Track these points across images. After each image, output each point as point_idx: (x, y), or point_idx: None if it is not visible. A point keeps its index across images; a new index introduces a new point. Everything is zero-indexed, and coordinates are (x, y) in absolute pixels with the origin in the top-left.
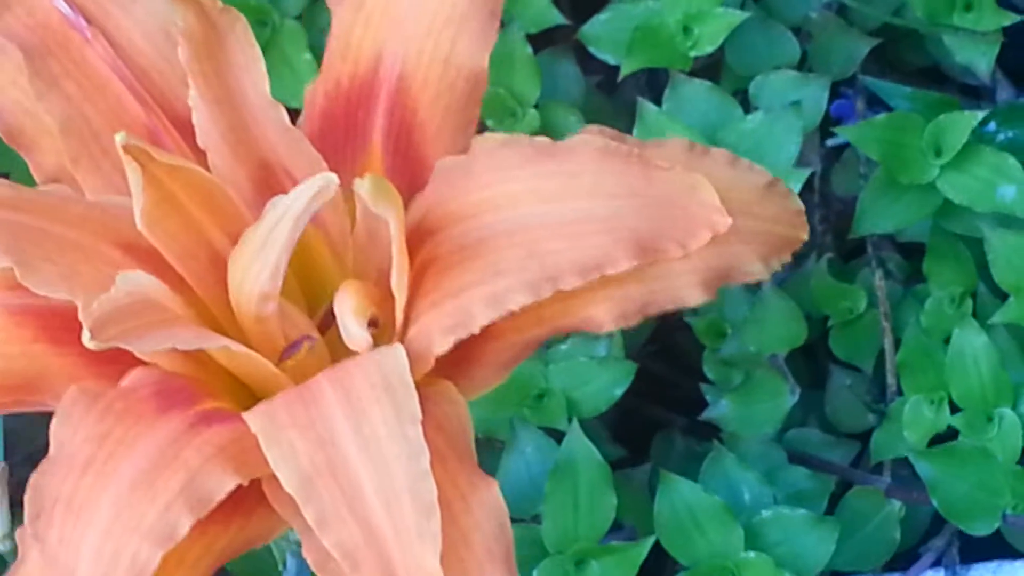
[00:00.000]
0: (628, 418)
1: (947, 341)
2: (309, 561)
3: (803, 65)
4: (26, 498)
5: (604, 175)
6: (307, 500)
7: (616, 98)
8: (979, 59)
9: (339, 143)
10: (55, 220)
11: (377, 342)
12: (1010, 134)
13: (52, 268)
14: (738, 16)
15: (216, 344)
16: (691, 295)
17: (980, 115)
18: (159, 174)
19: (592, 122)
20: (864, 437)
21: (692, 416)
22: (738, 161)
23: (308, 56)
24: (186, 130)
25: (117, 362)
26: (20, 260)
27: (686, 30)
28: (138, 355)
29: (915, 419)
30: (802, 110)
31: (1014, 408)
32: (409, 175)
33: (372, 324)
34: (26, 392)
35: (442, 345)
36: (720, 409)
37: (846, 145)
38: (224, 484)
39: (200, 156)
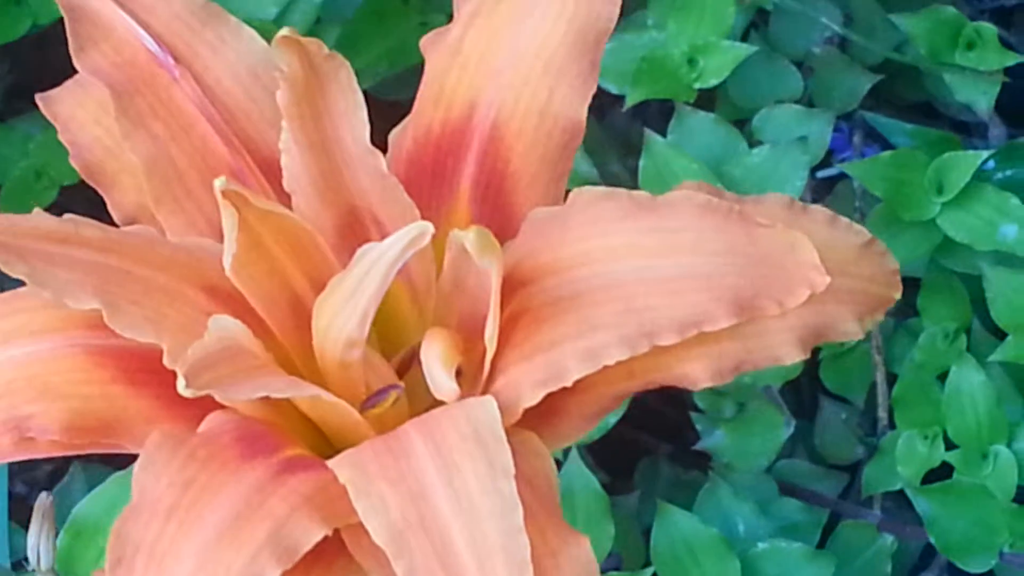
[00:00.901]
0: (610, 443)
1: (940, 377)
2: None
3: (803, 99)
4: (108, 545)
5: (705, 232)
6: (398, 554)
7: (606, 124)
8: (979, 98)
9: (425, 189)
10: (141, 262)
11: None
12: (1009, 172)
13: (139, 311)
14: (744, 50)
15: (307, 393)
16: (787, 353)
17: (984, 155)
18: (251, 219)
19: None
20: (852, 469)
21: (677, 444)
22: (837, 220)
23: None
24: (271, 172)
25: (195, 405)
26: (108, 302)
27: (691, 62)
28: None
29: (909, 454)
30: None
31: (1009, 446)
32: (497, 224)
33: (456, 373)
34: (102, 434)
35: (532, 398)
36: (715, 439)
37: (838, 177)
38: (311, 534)
39: (284, 198)
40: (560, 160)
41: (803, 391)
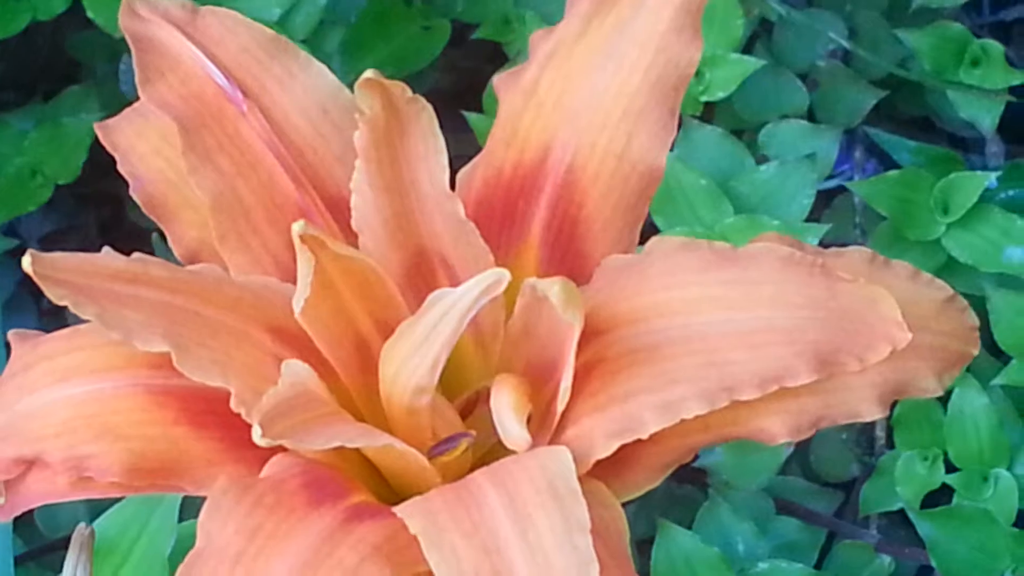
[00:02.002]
0: None
1: (940, 399)
2: None
3: (806, 112)
4: None
5: (787, 285)
6: None
7: None
8: (983, 116)
9: (494, 231)
10: (208, 303)
11: None
12: (1011, 192)
13: (207, 354)
14: (752, 64)
15: (380, 442)
16: (867, 410)
17: (991, 176)
18: (324, 261)
19: None
20: (846, 487)
21: None
22: (919, 275)
23: None
24: (337, 209)
25: (257, 448)
26: (177, 345)
27: (699, 74)
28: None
29: (908, 475)
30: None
31: (1010, 470)
32: (566, 270)
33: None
34: (163, 476)
35: (605, 449)
36: (714, 456)
37: (836, 191)
38: None
39: (350, 237)
40: (635, 206)
41: None
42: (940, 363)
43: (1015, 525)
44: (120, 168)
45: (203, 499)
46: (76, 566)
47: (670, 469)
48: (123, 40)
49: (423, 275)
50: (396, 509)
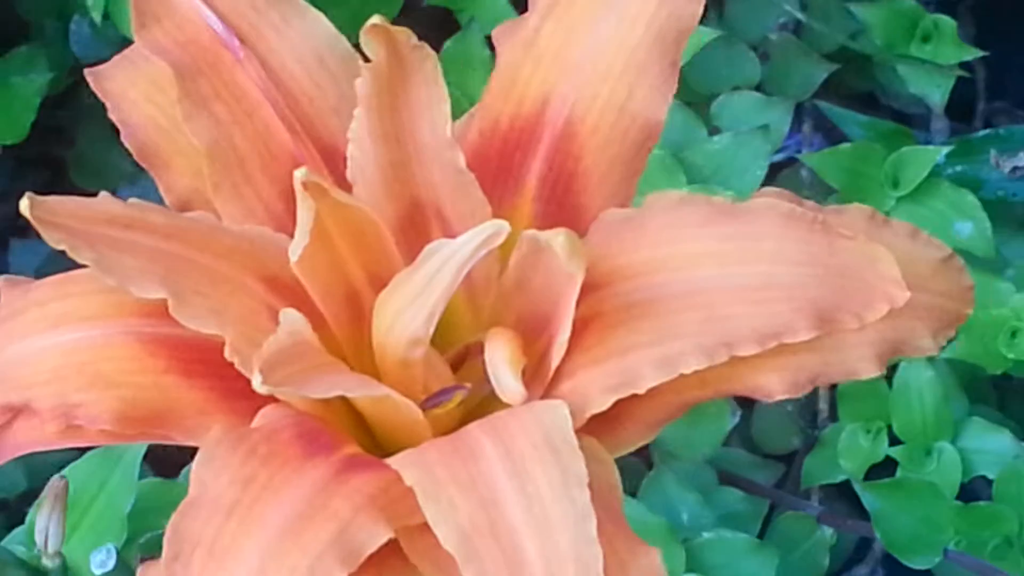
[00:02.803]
0: None
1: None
2: None
3: (760, 86)
4: (165, 539)
5: (787, 241)
6: (467, 561)
7: None
8: (932, 91)
9: (488, 184)
10: (204, 250)
11: None
12: (959, 168)
13: (203, 301)
14: (707, 34)
15: (379, 393)
16: (864, 368)
17: (942, 150)
18: (322, 210)
19: None
20: (787, 459)
21: None
22: (918, 234)
23: None
24: (332, 160)
25: (248, 398)
26: (174, 292)
27: None
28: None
29: (852, 448)
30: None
31: (953, 443)
32: (563, 224)
33: None
34: (153, 425)
35: (601, 404)
36: None
37: (785, 163)
38: (376, 536)
39: (344, 188)
40: (633, 160)
41: None
42: (936, 322)
43: (958, 499)
44: (111, 115)
45: (165, 457)
46: (50, 517)
47: (663, 425)
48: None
49: (417, 228)
50: (390, 461)
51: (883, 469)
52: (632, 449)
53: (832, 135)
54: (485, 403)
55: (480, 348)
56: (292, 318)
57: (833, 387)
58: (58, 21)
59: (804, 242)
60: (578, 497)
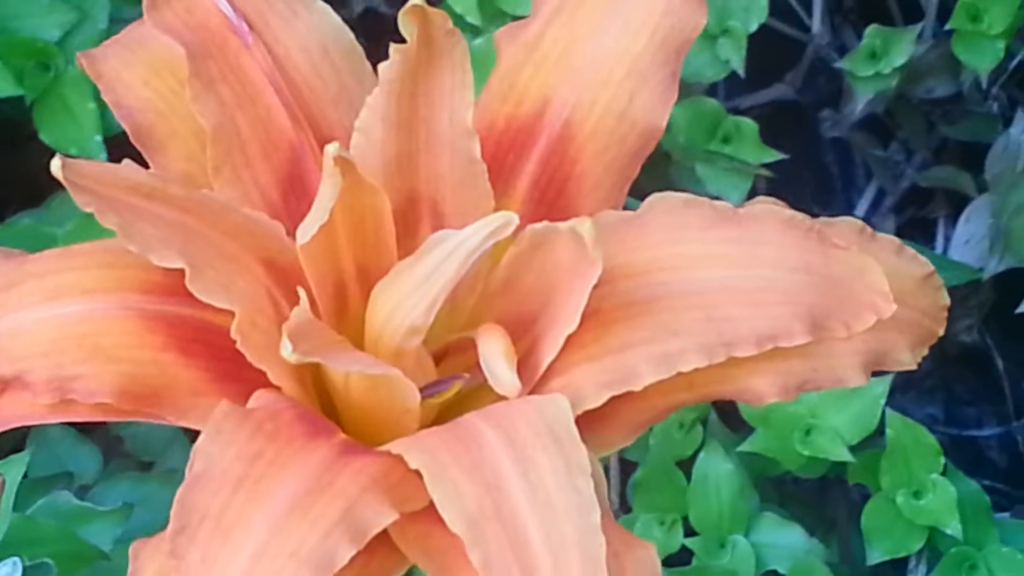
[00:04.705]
0: None
1: (676, 465)
2: None
3: None
4: (171, 512)
5: (787, 248)
6: (474, 543)
7: None
8: (731, 191)
9: None
10: (216, 227)
11: None
12: None
13: (216, 276)
14: None
15: (392, 373)
16: (851, 376)
17: None
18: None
19: None
20: None
21: None
22: (903, 250)
23: (92, 106)
24: None
25: (241, 381)
26: (191, 263)
27: None
28: (272, 378)
29: (646, 538)
30: None
31: (747, 536)
32: None
33: None
34: (148, 402)
35: (596, 400)
36: None
37: None
38: (382, 516)
39: None
40: (628, 167)
41: None
42: (914, 338)
43: None
44: (104, 97)
45: (33, 487)
46: None
47: (644, 428)
48: None
49: (406, 223)
50: (390, 446)
51: (680, 560)
52: (612, 451)
53: None
54: (462, 400)
55: (459, 346)
56: (303, 296)
57: (625, 479)
58: None
59: (802, 249)
60: (582, 486)
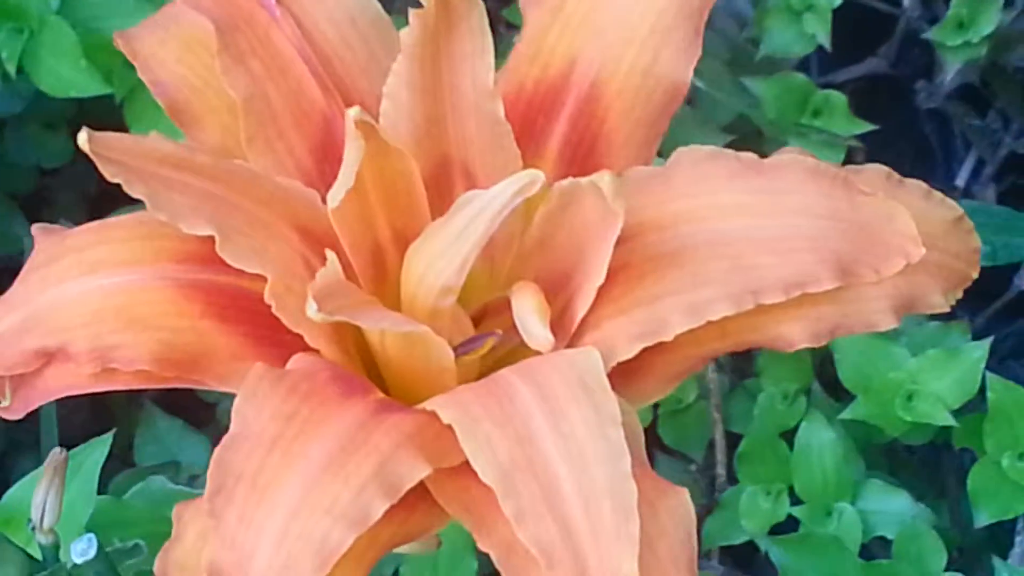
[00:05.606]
0: None
1: (781, 435)
2: (492, 556)
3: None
4: (208, 474)
5: (812, 195)
6: (506, 495)
7: None
8: None
9: None
10: (246, 195)
11: None
12: None
13: (247, 242)
14: None
15: (420, 330)
16: (882, 320)
17: None
18: (364, 157)
19: None
20: None
21: None
22: (931, 194)
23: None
24: None
25: (279, 345)
26: (220, 230)
27: None
28: (308, 341)
29: (753, 509)
30: None
31: (853, 504)
32: None
33: None
34: (188, 369)
35: (628, 352)
36: None
37: None
38: (416, 471)
39: None
40: (656, 123)
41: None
42: (946, 281)
43: (859, 558)
44: (140, 75)
45: (120, 468)
46: (48, 489)
47: (680, 379)
48: None
49: (440, 186)
50: (424, 404)
51: (787, 530)
52: (650, 403)
53: None
54: (503, 359)
55: (497, 307)
56: (333, 259)
57: (731, 452)
58: None
59: (828, 196)
60: (612, 435)
